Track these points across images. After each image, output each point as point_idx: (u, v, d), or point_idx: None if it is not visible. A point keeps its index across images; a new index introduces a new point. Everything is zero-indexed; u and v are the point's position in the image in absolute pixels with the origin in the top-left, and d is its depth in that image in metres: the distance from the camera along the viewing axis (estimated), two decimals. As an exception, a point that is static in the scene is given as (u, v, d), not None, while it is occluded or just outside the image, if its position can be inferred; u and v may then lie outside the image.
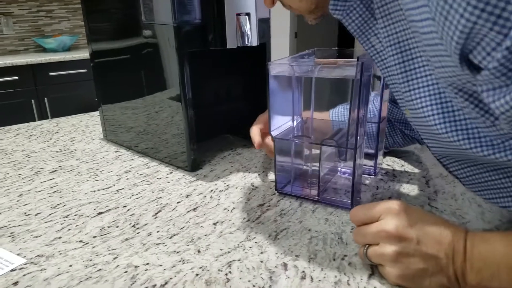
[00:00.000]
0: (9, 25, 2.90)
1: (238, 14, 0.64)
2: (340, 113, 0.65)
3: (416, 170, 0.68)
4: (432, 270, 0.38)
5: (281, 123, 0.57)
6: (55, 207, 0.59)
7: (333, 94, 0.56)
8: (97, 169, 0.73)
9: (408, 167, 0.69)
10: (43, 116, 2.64)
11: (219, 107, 0.84)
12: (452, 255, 0.37)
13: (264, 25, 0.72)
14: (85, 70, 2.71)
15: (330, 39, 3.95)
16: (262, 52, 0.75)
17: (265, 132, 0.63)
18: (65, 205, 0.59)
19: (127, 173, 0.70)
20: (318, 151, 0.56)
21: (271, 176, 0.67)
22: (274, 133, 0.56)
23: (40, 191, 0.64)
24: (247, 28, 0.65)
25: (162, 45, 0.67)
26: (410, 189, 0.61)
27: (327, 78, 0.53)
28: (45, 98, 2.65)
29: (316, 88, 0.54)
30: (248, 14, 0.65)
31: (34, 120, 2.60)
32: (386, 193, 0.60)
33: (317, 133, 0.58)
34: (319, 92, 0.54)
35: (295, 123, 0.58)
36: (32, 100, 2.61)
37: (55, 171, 0.72)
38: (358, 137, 0.50)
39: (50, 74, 2.62)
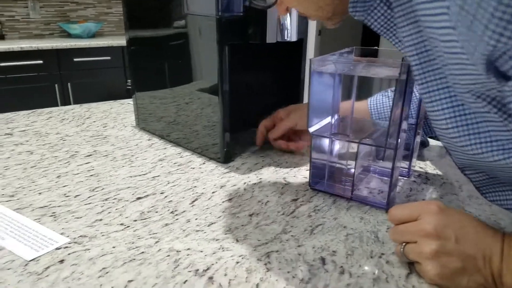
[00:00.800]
0: (36, 9, 2.95)
1: (280, 10, 0.64)
2: (378, 101, 0.65)
3: (449, 174, 0.68)
4: (469, 270, 0.38)
5: (319, 120, 0.58)
6: (93, 190, 0.61)
7: (374, 93, 0.56)
8: (132, 155, 0.74)
9: (441, 171, 0.69)
10: (65, 101, 2.69)
11: (251, 100, 0.85)
12: (490, 256, 0.38)
13: (303, 21, 0.72)
14: (108, 58, 2.74)
15: (355, 37, 3.92)
16: (298, 47, 0.75)
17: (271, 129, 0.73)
18: (103, 188, 0.61)
19: (161, 161, 0.72)
20: (353, 149, 0.57)
21: (302, 172, 0.68)
22: (311, 130, 0.57)
23: (78, 173, 0.66)
24: (287, 23, 0.65)
25: (202, 36, 0.68)
26: (443, 193, 0.61)
27: (370, 76, 0.53)
28: (69, 83, 2.69)
29: (357, 86, 0.55)
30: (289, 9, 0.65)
31: (57, 105, 2.65)
32: (420, 195, 0.60)
33: (355, 131, 0.58)
34: (360, 90, 0.55)
35: (333, 121, 0.58)
36: (56, 85, 2.65)
37: (90, 155, 0.74)
38: (399, 139, 0.51)
39: (75, 59, 2.65)
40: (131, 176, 0.65)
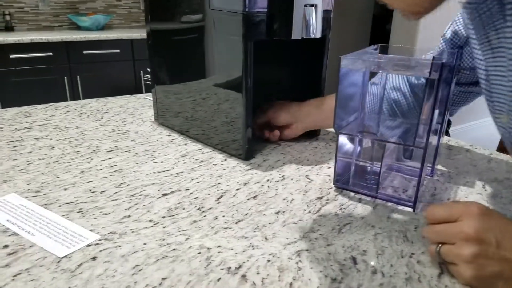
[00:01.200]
0: (45, 0, 2.95)
1: (305, 5, 0.64)
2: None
3: (471, 173, 0.68)
4: (507, 274, 0.38)
5: (346, 118, 0.58)
6: (119, 186, 0.61)
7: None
8: (154, 151, 0.74)
9: (463, 169, 0.69)
10: (74, 94, 2.69)
11: (272, 97, 0.85)
12: None
13: (326, 17, 0.72)
14: (118, 51, 2.75)
15: (362, 38, 3.89)
16: (321, 44, 0.75)
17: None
18: (128, 184, 0.61)
19: (183, 157, 0.72)
20: (380, 148, 0.57)
21: (325, 169, 0.68)
22: (339, 127, 0.57)
23: (101, 169, 0.67)
24: (313, 20, 0.65)
25: (226, 32, 0.67)
26: (468, 192, 0.61)
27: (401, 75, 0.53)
28: (78, 76, 2.70)
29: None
30: (315, 5, 0.65)
31: (66, 97, 2.66)
32: (444, 194, 0.60)
33: (382, 129, 0.58)
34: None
35: (359, 119, 0.58)
36: (65, 77, 2.66)
37: (112, 150, 0.75)
38: (429, 138, 0.51)
39: (84, 52, 2.66)
40: (155, 172, 0.65)
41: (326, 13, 0.71)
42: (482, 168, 0.70)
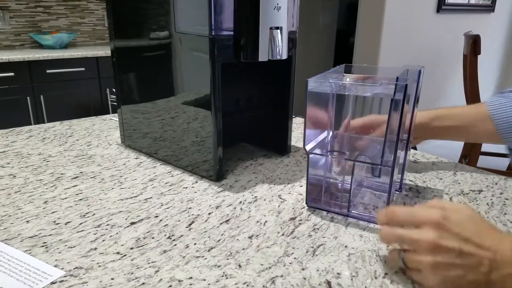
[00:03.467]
0: (6, 19, 2.86)
1: (271, 28, 0.64)
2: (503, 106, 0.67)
3: (438, 187, 0.69)
4: (470, 277, 0.38)
5: (315, 137, 0.58)
6: (84, 215, 0.58)
7: (369, 110, 0.57)
8: (121, 176, 0.72)
9: (430, 183, 0.71)
10: (38, 114, 2.61)
11: (239, 116, 0.84)
12: (493, 258, 0.38)
13: (292, 38, 0.72)
14: (82, 69, 2.69)
15: (328, 52, 3.98)
16: (287, 63, 0.75)
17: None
18: (94, 214, 0.59)
19: (152, 181, 0.70)
20: (349, 166, 0.57)
21: (297, 188, 0.68)
22: (308, 148, 0.57)
23: (66, 198, 0.64)
24: (278, 42, 0.65)
25: (194, 52, 0.67)
26: (436, 206, 0.62)
27: (366, 96, 0.54)
28: (41, 96, 2.61)
29: (352, 104, 0.55)
30: (280, 28, 0.65)
31: (29, 118, 2.57)
32: (414, 209, 0.61)
33: (351, 148, 0.59)
34: (355, 107, 0.55)
35: (328, 138, 0.59)
36: (28, 97, 2.57)
37: (77, 177, 0.72)
38: (396, 156, 0.51)
39: (47, 71, 2.58)
40: (122, 199, 0.63)
41: (291, 33, 0.72)
42: (449, 181, 0.72)
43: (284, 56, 0.68)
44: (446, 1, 3.16)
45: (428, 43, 3.24)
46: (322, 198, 0.61)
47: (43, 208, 0.61)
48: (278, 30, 0.65)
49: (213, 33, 0.61)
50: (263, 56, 0.65)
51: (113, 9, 0.79)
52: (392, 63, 3.05)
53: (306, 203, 0.61)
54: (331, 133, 0.59)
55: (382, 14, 2.89)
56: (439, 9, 3.17)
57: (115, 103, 1.08)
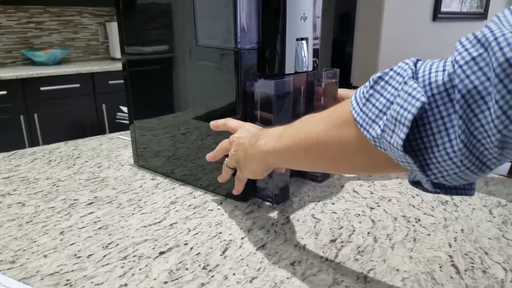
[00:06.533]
0: (-4, 37, 2.80)
1: (297, 39, 0.61)
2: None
3: (473, 198, 0.66)
4: (239, 153, 0.56)
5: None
6: (107, 246, 0.54)
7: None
8: (139, 200, 0.68)
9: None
10: (32, 133, 2.54)
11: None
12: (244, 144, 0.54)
13: (316, 49, 0.69)
14: (77, 85, 2.63)
15: (324, 61, 3.98)
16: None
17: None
18: (117, 244, 0.55)
19: (174, 204, 0.66)
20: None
21: (329, 206, 0.64)
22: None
23: (83, 227, 0.59)
24: (305, 53, 0.62)
25: (216, 68, 0.63)
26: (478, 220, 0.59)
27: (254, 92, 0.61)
28: (35, 114, 2.55)
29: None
30: (306, 39, 0.62)
31: (23, 137, 2.50)
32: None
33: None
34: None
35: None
36: (21, 116, 2.51)
37: (92, 203, 0.67)
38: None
39: (41, 88, 2.53)
40: (145, 226, 0.59)
41: (315, 44, 0.68)
42: (483, 191, 0.69)
43: (310, 68, 0.65)
44: (441, 10, 3.18)
45: (425, 51, 3.25)
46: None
47: (60, 240, 0.56)
48: (304, 41, 0.62)
49: (239, 45, 0.57)
50: (289, 69, 0.61)
51: (125, 21, 0.76)
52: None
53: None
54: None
55: (380, 24, 2.90)
56: (435, 17, 3.18)
57: (124, 121, 1.04)
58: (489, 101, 0.28)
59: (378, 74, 0.36)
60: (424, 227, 0.57)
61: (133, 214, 0.63)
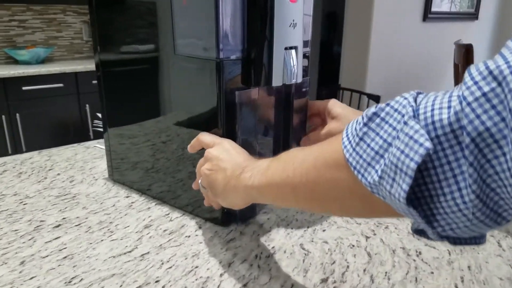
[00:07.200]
0: (-23, 35, 2.71)
1: (286, 48, 0.55)
2: None
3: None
4: (219, 177, 0.49)
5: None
6: (70, 282, 0.48)
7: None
8: (110, 222, 0.62)
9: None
10: (14, 133, 2.45)
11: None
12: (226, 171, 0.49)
13: (306, 57, 0.64)
14: (61, 85, 2.55)
15: (312, 62, 3.94)
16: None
17: None
18: (82, 279, 0.48)
19: (147, 228, 0.60)
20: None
21: (319, 234, 0.59)
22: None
23: (47, 256, 0.53)
24: (294, 64, 0.56)
25: (196, 80, 0.57)
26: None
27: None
28: (17, 114, 2.46)
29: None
30: (295, 47, 0.56)
31: (4, 138, 2.41)
32: (459, 256, 0.53)
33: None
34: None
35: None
36: (3, 116, 2.42)
37: (59, 225, 0.61)
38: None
39: (23, 88, 2.44)
40: (114, 256, 0.53)
41: (305, 51, 0.63)
42: None
43: (299, 80, 0.59)
44: (431, 10, 3.15)
45: (415, 52, 3.22)
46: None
47: (20, 272, 0.50)
48: (293, 50, 0.56)
49: (220, 56, 0.52)
50: (277, 81, 0.56)
51: (98, 18, 0.69)
52: (380, 72, 3.01)
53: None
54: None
55: (369, 23, 2.85)
56: (425, 17, 3.15)
57: (100, 129, 0.97)
58: (505, 146, 0.23)
59: (372, 109, 0.31)
60: (426, 263, 0.52)
61: (102, 240, 0.57)
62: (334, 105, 0.64)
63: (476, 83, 0.24)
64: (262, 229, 0.60)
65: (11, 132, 2.46)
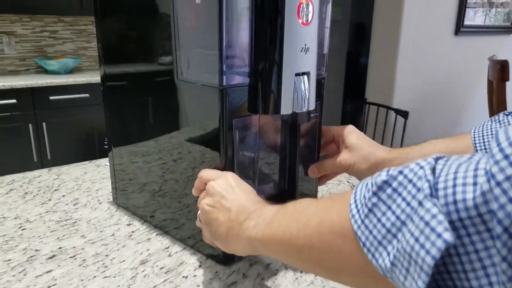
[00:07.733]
0: (11, 44, 2.79)
1: (296, 74, 0.50)
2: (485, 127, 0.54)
3: None
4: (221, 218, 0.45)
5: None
6: (51, 326, 0.44)
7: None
8: (106, 255, 0.58)
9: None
10: (40, 142, 2.50)
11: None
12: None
13: (320, 83, 0.59)
14: (87, 95, 2.58)
15: (339, 74, 3.87)
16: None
17: None
18: (65, 323, 0.44)
19: (143, 264, 0.56)
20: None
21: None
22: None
23: (33, 293, 0.50)
24: (305, 91, 0.51)
25: (199, 107, 0.53)
26: None
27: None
28: (43, 123, 2.51)
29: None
30: (307, 73, 0.51)
31: (30, 146, 2.46)
32: None
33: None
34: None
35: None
36: (30, 125, 2.47)
37: (53, 256, 0.58)
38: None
39: (51, 98, 2.48)
40: (104, 296, 0.49)
41: (319, 76, 0.58)
42: None
43: (312, 107, 0.54)
44: (464, 23, 3.03)
45: (446, 66, 3.10)
46: None
47: (1, 311, 0.46)
48: (305, 76, 0.51)
49: (224, 83, 0.47)
50: (286, 109, 0.51)
51: (102, 35, 0.67)
52: (409, 87, 2.91)
53: None
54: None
55: (398, 36, 2.76)
56: (457, 31, 3.03)
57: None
58: None
59: (383, 176, 0.25)
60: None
61: (94, 277, 0.53)
62: (350, 134, 0.58)
63: (506, 157, 0.18)
64: (267, 271, 0.54)
65: (37, 141, 2.50)
